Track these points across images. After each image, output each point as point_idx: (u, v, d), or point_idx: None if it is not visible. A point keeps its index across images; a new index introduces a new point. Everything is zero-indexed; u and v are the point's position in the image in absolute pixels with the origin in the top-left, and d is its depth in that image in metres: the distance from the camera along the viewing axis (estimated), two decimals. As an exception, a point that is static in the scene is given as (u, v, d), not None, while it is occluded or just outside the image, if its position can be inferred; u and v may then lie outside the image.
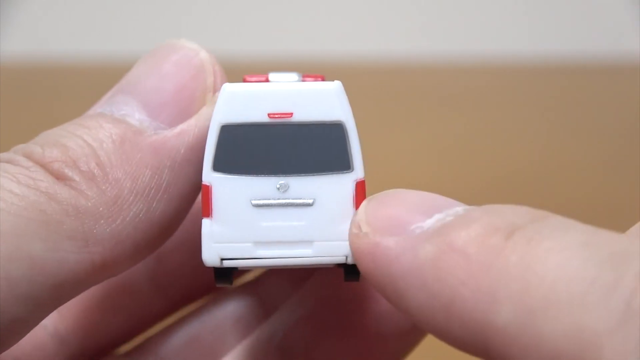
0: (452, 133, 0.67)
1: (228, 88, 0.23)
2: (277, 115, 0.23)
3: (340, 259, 0.23)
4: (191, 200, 0.24)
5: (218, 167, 0.23)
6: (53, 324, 0.27)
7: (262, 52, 0.76)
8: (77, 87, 0.73)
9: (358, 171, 0.23)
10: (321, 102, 0.23)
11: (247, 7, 0.81)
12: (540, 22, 0.82)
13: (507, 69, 0.79)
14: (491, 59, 0.79)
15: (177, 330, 0.28)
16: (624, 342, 0.17)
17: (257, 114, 0.23)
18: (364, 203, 0.22)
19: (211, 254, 0.23)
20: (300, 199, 0.23)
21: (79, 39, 0.81)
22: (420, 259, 0.20)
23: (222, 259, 0.23)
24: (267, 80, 0.24)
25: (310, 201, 0.23)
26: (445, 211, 0.21)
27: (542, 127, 0.68)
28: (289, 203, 0.23)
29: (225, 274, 0.23)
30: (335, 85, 0.23)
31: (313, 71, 0.25)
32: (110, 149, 0.22)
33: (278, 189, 0.23)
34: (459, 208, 0.21)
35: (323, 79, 0.24)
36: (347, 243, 0.22)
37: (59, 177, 0.22)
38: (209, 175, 0.23)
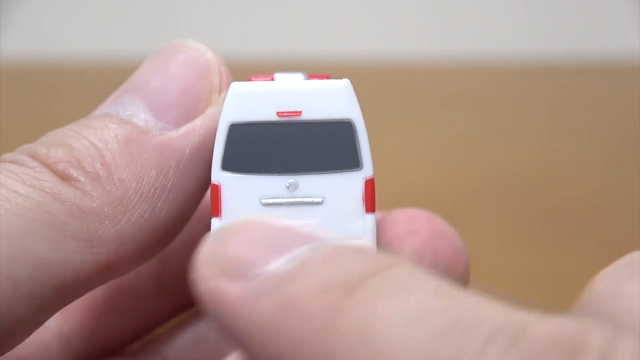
0: (453, 132, 0.67)
1: (236, 87, 0.23)
2: (285, 114, 0.23)
3: None
4: (197, 201, 0.24)
5: (227, 166, 0.23)
6: (58, 325, 0.27)
7: (265, 52, 0.76)
8: (77, 87, 0.73)
9: (367, 169, 0.23)
10: (330, 100, 0.23)
11: (250, 7, 0.81)
12: (540, 22, 0.82)
13: (507, 69, 0.79)
14: (491, 59, 0.79)
15: (182, 331, 0.28)
16: None
17: (266, 113, 0.23)
18: (207, 239, 0.20)
19: None
20: (310, 197, 0.23)
21: (79, 39, 0.81)
22: (260, 314, 0.18)
23: None
24: (272, 80, 0.24)
25: (320, 200, 0.23)
26: (287, 254, 0.19)
27: (542, 127, 0.68)
28: (298, 202, 0.23)
29: None
30: (344, 83, 0.23)
31: (316, 70, 0.25)
32: (115, 149, 0.22)
33: (287, 187, 0.23)
34: (302, 249, 0.19)
35: (328, 78, 0.24)
36: (357, 241, 0.22)
37: (64, 177, 0.22)
38: (217, 175, 0.23)
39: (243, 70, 0.26)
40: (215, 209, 0.23)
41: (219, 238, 0.20)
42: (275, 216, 0.21)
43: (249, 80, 0.24)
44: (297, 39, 0.81)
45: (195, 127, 0.23)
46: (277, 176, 0.23)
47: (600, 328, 0.16)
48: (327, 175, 0.23)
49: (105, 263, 0.22)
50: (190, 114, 0.23)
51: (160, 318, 0.29)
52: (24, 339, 0.21)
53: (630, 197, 0.56)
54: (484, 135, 0.67)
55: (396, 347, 0.17)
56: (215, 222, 0.23)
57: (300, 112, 0.23)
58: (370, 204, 0.23)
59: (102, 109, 0.24)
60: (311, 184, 0.23)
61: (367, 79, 0.71)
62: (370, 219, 0.23)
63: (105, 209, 0.22)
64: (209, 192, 0.24)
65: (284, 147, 0.23)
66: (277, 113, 0.23)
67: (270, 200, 0.23)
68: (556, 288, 0.44)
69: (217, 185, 0.23)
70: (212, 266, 0.20)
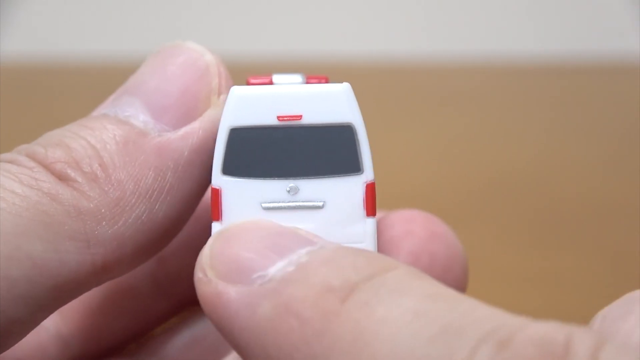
0: (453, 132, 0.67)
1: (236, 91, 0.23)
2: (286, 118, 0.23)
3: None
4: (194, 203, 0.24)
5: (227, 170, 0.23)
6: (55, 326, 0.27)
7: (264, 52, 0.76)
8: (77, 87, 0.73)
9: (368, 173, 0.23)
10: (330, 104, 0.23)
11: (249, 7, 0.81)
12: (540, 22, 0.82)
13: (507, 69, 0.79)
14: (491, 59, 0.79)
15: (180, 331, 0.28)
16: None
17: (267, 117, 0.23)
18: (210, 240, 0.21)
19: None
20: (310, 201, 0.23)
21: (79, 39, 0.81)
22: (258, 318, 0.19)
23: None
24: (270, 82, 0.24)
25: (320, 204, 0.23)
26: (289, 257, 0.20)
27: (542, 127, 0.68)
28: (299, 206, 0.23)
29: None
30: (345, 87, 0.23)
31: (315, 71, 0.25)
32: (113, 150, 0.22)
33: (288, 191, 0.23)
34: (303, 251, 0.20)
35: (327, 80, 0.24)
36: (358, 245, 0.22)
37: (62, 177, 0.22)
38: (218, 179, 0.23)
39: (241, 71, 0.26)
40: (216, 214, 0.23)
41: (220, 240, 0.21)
42: (276, 220, 0.22)
43: (247, 81, 0.24)
44: (295, 38, 0.81)
45: (193, 129, 0.23)
46: (277, 180, 0.23)
47: (586, 334, 0.17)
48: (327, 179, 0.23)
49: (102, 264, 0.22)
50: (188, 116, 0.23)
51: (157, 318, 0.29)
52: (19, 340, 0.21)
53: (630, 197, 0.56)
54: (483, 135, 0.67)
55: (388, 350, 0.17)
56: (215, 227, 0.23)
57: (301, 116, 0.23)
58: (370, 208, 0.23)
59: (101, 109, 0.24)
60: (312, 188, 0.23)
61: (366, 79, 0.71)
62: (370, 223, 0.23)
63: (103, 210, 0.22)
64: (206, 195, 0.24)
65: (284, 151, 0.23)
66: (278, 117, 0.23)
67: (271, 205, 0.23)
68: (555, 288, 0.44)
69: (218, 190, 0.23)
70: (213, 269, 0.20)
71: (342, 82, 0.23)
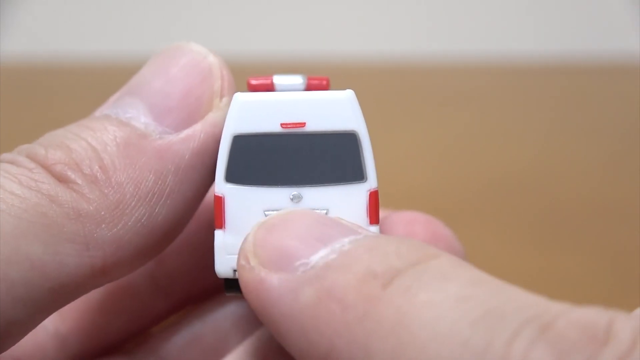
0: (453, 133, 0.67)
1: (240, 97, 0.23)
2: (290, 125, 0.23)
3: None
4: (194, 206, 0.24)
5: (230, 178, 0.23)
6: (54, 325, 0.27)
7: (264, 52, 0.76)
8: (77, 87, 0.73)
9: (372, 181, 0.23)
10: (334, 111, 0.23)
11: (249, 7, 0.81)
12: (540, 22, 0.82)
13: (507, 69, 0.79)
14: (491, 59, 0.79)
15: (178, 330, 0.28)
16: None
17: (270, 124, 0.23)
18: (254, 228, 0.21)
19: (224, 266, 0.23)
20: (314, 209, 0.23)
21: (79, 39, 0.81)
22: (300, 304, 0.19)
23: (236, 270, 0.22)
24: (271, 82, 0.24)
25: (324, 211, 0.23)
26: (332, 245, 0.20)
27: (542, 127, 0.68)
28: None
29: (235, 284, 0.23)
30: (348, 94, 0.23)
31: (315, 71, 0.25)
32: (114, 152, 0.22)
33: (291, 199, 0.23)
34: (346, 240, 0.20)
35: (327, 81, 0.24)
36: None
37: (62, 179, 0.22)
38: (221, 186, 0.23)
39: (242, 71, 0.26)
40: (219, 221, 0.23)
41: (263, 229, 0.21)
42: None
43: (248, 81, 0.24)
44: (296, 38, 0.81)
45: (195, 132, 0.23)
46: (281, 188, 0.23)
47: (628, 319, 0.17)
48: (331, 187, 0.23)
49: (101, 267, 0.22)
50: (190, 118, 0.23)
51: (156, 317, 0.29)
52: (17, 341, 0.21)
53: (630, 197, 0.56)
54: (484, 135, 0.67)
55: (428, 334, 0.17)
56: (218, 235, 0.23)
57: (305, 123, 0.23)
58: (374, 216, 0.23)
59: (103, 110, 0.24)
60: (315, 195, 0.23)
61: (366, 79, 0.70)
62: (374, 230, 0.23)
63: (102, 212, 0.22)
64: (206, 199, 0.24)
65: (287, 159, 0.23)
66: (281, 125, 0.23)
67: (275, 212, 0.23)
68: (555, 288, 0.44)
69: (221, 197, 0.23)
70: (256, 256, 0.20)
71: (345, 89, 0.23)
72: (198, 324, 0.28)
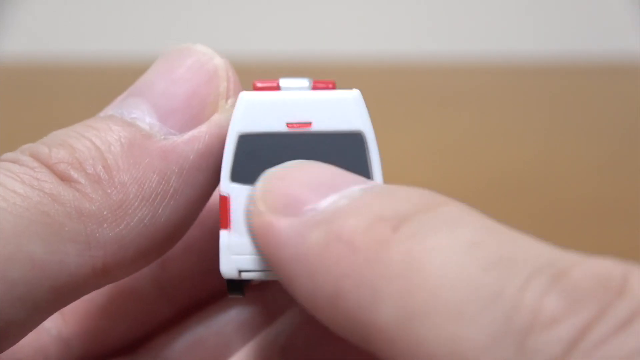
0: (453, 133, 0.67)
1: (246, 96, 0.23)
2: (296, 125, 0.22)
3: None
4: (199, 208, 0.24)
5: (236, 177, 0.22)
6: (56, 328, 0.27)
7: (269, 53, 0.76)
8: (77, 87, 0.73)
9: (378, 181, 0.22)
10: (340, 111, 0.22)
11: (253, 8, 0.81)
12: (540, 22, 0.82)
13: (507, 69, 0.79)
14: (491, 59, 0.79)
15: (181, 333, 0.28)
16: None
17: (276, 124, 0.22)
18: (262, 176, 0.21)
19: (230, 266, 0.22)
20: None
21: (79, 39, 0.81)
22: (307, 246, 0.19)
23: (241, 271, 0.22)
24: (277, 86, 0.24)
25: None
26: (342, 192, 0.20)
27: (542, 127, 0.68)
28: None
29: (238, 285, 0.23)
30: (355, 94, 0.23)
31: (319, 72, 0.25)
32: (118, 152, 0.22)
33: None
34: (356, 188, 0.20)
35: (334, 84, 0.24)
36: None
37: (64, 178, 0.21)
38: (226, 186, 0.22)
39: (247, 72, 0.25)
40: (225, 221, 0.22)
41: (272, 176, 0.21)
42: None
43: (254, 84, 0.24)
44: (296, 39, 0.81)
45: (200, 133, 0.23)
46: None
47: None
48: None
49: (102, 267, 0.22)
50: (195, 120, 0.23)
51: (159, 321, 0.28)
52: (16, 341, 0.21)
53: (630, 197, 0.56)
54: (484, 135, 0.67)
55: (439, 278, 0.17)
56: (224, 235, 0.22)
57: (311, 123, 0.22)
58: None
59: (108, 110, 0.24)
60: None
61: (366, 78, 0.70)
62: None
63: (105, 212, 0.22)
64: (210, 203, 0.24)
65: (293, 158, 0.22)
66: (287, 124, 0.22)
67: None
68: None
69: (227, 197, 0.22)
70: (264, 202, 0.20)
71: (351, 89, 0.23)
72: (200, 327, 0.28)
